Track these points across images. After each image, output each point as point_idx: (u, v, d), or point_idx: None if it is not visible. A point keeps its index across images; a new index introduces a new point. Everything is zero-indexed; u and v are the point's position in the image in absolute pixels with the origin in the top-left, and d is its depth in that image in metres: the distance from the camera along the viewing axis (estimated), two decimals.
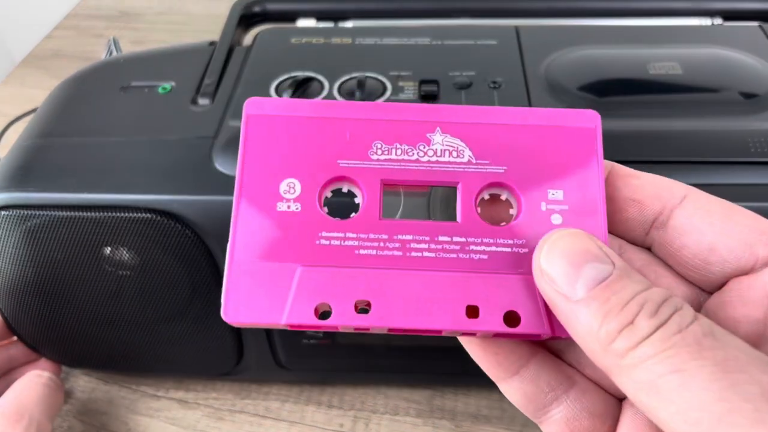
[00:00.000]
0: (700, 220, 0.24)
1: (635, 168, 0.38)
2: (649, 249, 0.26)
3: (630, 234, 0.26)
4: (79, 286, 0.43)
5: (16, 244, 0.41)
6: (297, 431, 0.48)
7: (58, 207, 0.40)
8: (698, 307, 0.25)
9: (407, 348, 0.45)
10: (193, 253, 0.40)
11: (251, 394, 0.51)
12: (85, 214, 0.40)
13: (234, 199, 0.25)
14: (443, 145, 0.26)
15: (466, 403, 0.49)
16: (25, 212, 0.40)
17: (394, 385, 0.50)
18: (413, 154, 0.26)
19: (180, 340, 0.45)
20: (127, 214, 0.39)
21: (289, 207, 0.25)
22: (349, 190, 0.26)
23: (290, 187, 0.25)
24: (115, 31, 0.90)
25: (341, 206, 0.26)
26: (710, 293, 0.25)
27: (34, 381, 0.44)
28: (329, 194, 0.26)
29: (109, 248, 0.41)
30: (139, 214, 0.39)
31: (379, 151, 0.26)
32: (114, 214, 0.39)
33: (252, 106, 0.26)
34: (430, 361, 0.46)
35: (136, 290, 0.43)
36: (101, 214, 0.39)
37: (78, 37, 0.90)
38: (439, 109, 0.26)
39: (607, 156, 0.38)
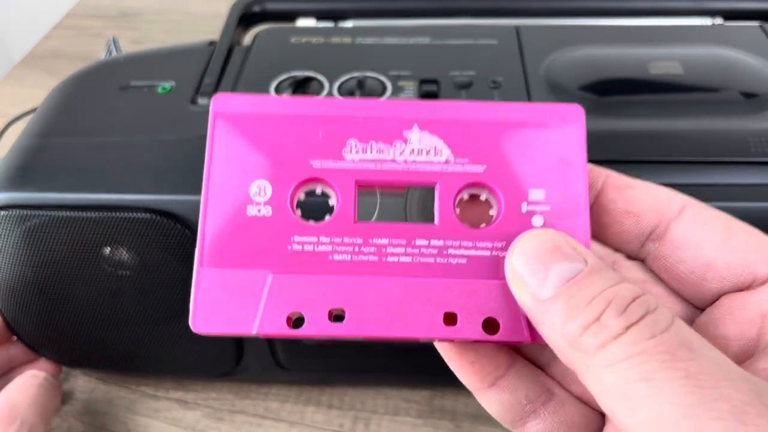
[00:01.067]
0: (697, 234, 0.24)
1: (636, 168, 0.38)
2: (642, 261, 0.26)
3: (625, 246, 0.25)
4: (78, 286, 0.43)
5: (15, 244, 0.41)
6: (297, 431, 0.48)
7: (58, 207, 0.39)
8: (689, 324, 0.24)
9: (407, 349, 0.45)
10: (193, 252, 0.40)
11: (251, 394, 0.50)
12: (84, 214, 0.39)
13: (201, 202, 0.24)
14: (420, 143, 0.24)
15: (466, 403, 0.49)
16: (25, 212, 0.40)
17: (394, 385, 0.50)
18: (389, 153, 0.24)
19: (180, 340, 0.45)
20: (126, 214, 0.39)
21: (259, 211, 0.24)
22: (323, 192, 0.25)
23: (260, 190, 0.24)
24: (114, 31, 0.90)
25: (315, 205, 0.25)
26: (702, 309, 0.24)
27: (29, 382, 0.44)
28: (302, 196, 0.24)
29: (109, 248, 0.41)
30: (139, 214, 0.39)
31: (354, 150, 0.24)
32: (113, 214, 0.39)
33: (219, 102, 0.25)
34: (430, 361, 0.46)
35: (136, 290, 0.43)
36: (100, 214, 0.39)
37: (77, 36, 0.90)
38: (416, 105, 0.25)
39: (607, 156, 0.39)
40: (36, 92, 0.79)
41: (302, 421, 0.49)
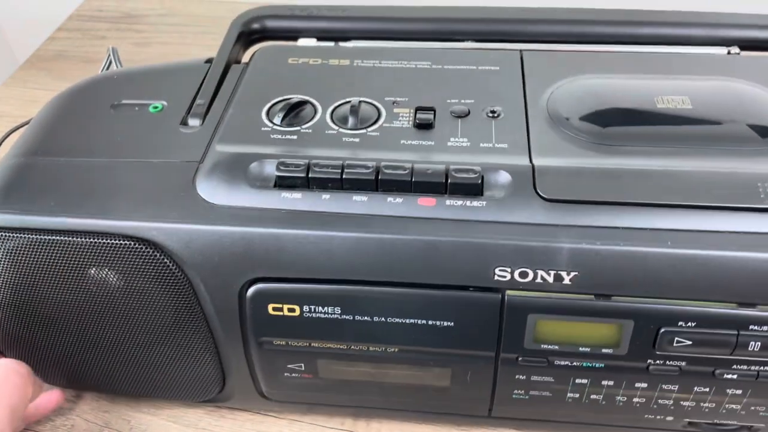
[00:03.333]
0: None
1: (637, 211, 0.36)
2: None
3: None
4: (59, 308, 0.42)
5: None
6: (297, 429, 0.48)
7: (37, 230, 0.39)
8: None
9: (393, 385, 0.43)
10: (173, 281, 0.39)
11: None
12: (64, 238, 0.39)
13: None
14: None
15: None
16: (3, 234, 0.39)
17: (377, 418, 0.49)
18: None
19: (162, 366, 0.44)
20: (106, 240, 0.38)
21: None
22: None
23: None
24: (118, 33, 0.90)
25: None
26: None
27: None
28: None
29: (92, 270, 0.40)
30: (118, 241, 0.38)
31: None
32: (93, 239, 0.38)
33: None
34: (415, 399, 0.44)
35: (119, 314, 0.42)
36: (81, 239, 0.39)
37: (81, 38, 0.90)
38: None
39: (606, 197, 0.37)
40: (40, 93, 0.80)
41: (303, 418, 0.48)
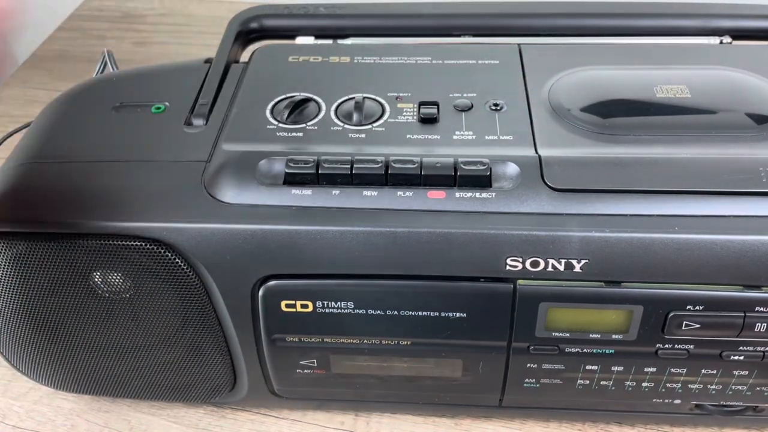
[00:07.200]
0: None
1: (641, 198, 0.37)
2: None
3: None
4: (67, 312, 0.41)
5: (1, 270, 0.39)
6: (298, 429, 0.48)
7: (45, 234, 0.38)
8: None
9: (405, 378, 0.44)
10: (184, 280, 0.39)
11: None
12: (72, 241, 0.38)
13: None
14: None
15: None
16: (11, 239, 0.39)
17: (392, 412, 0.49)
18: None
19: (172, 367, 0.44)
20: (115, 242, 0.38)
21: None
22: None
23: None
24: (118, 33, 0.89)
25: None
26: None
27: None
28: None
29: (100, 273, 0.40)
30: (129, 242, 0.38)
31: None
32: (102, 241, 0.38)
33: None
34: (428, 392, 0.45)
35: (128, 315, 0.41)
36: (89, 241, 0.38)
37: (81, 38, 0.90)
38: None
39: (609, 185, 0.37)
40: (40, 93, 0.79)
41: (303, 419, 0.48)
